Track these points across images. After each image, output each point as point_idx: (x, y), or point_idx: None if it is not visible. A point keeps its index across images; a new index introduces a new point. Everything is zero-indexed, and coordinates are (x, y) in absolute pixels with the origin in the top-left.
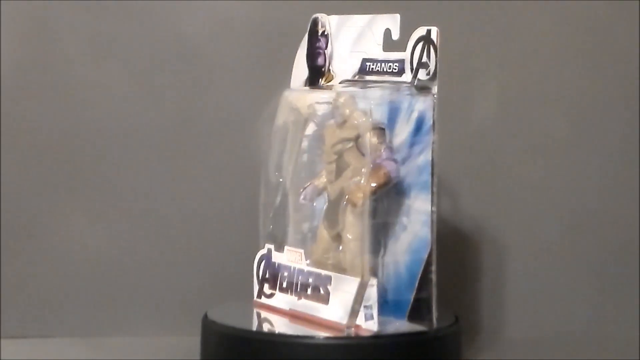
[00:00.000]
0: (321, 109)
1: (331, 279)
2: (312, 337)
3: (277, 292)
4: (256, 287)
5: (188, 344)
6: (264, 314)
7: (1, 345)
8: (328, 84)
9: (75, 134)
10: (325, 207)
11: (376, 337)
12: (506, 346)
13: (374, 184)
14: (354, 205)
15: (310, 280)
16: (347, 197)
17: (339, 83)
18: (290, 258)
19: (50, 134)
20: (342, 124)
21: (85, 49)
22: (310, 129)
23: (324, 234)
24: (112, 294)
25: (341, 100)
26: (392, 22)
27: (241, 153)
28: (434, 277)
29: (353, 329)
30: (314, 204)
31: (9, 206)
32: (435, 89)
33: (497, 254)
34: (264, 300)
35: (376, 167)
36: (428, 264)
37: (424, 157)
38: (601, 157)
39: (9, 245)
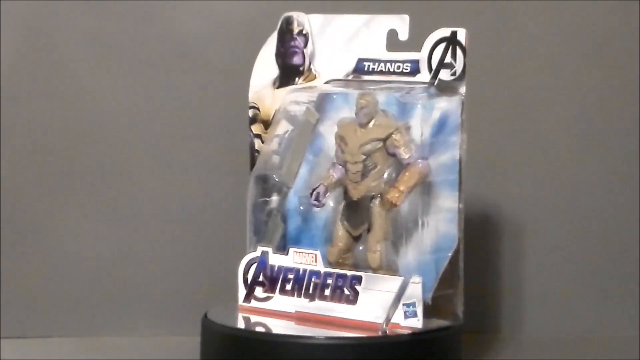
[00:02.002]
0: (299, 108)
1: (361, 279)
2: (312, 337)
3: (276, 295)
4: (243, 292)
5: (188, 344)
6: (264, 315)
7: (1, 345)
8: (308, 83)
9: (75, 134)
10: (344, 208)
11: (384, 337)
12: (505, 346)
13: (411, 183)
14: (392, 204)
15: (330, 281)
16: (382, 197)
17: (325, 82)
18: (299, 260)
19: (50, 134)
20: (366, 124)
21: (85, 49)
22: (283, 127)
23: (342, 234)
24: (112, 294)
25: (366, 99)
26: (399, 22)
27: (242, 153)
28: (461, 273)
29: (388, 327)
30: (330, 205)
31: (9, 206)
32: (463, 89)
33: (495, 255)
34: (255, 304)
35: (411, 166)
36: (452, 261)
37: (449, 156)
38: (602, 158)
39: (9, 245)
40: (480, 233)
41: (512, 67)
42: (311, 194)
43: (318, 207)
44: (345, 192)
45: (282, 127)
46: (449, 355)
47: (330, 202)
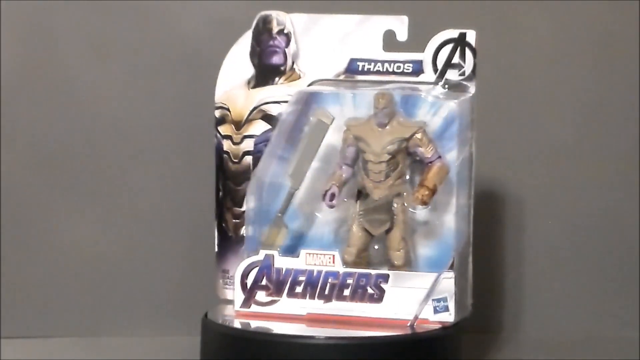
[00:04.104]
0: (280, 108)
1: (388, 277)
2: (312, 337)
3: (282, 298)
4: (240, 297)
5: (188, 344)
6: (268, 319)
7: (1, 345)
8: (291, 82)
9: (75, 134)
10: (363, 208)
11: (385, 336)
12: (505, 346)
13: (437, 181)
14: (423, 202)
15: (350, 281)
16: (410, 195)
17: (311, 83)
18: (313, 261)
19: (50, 134)
20: (387, 123)
21: (85, 49)
22: (261, 128)
23: (361, 234)
24: (112, 294)
25: (387, 99)
26: (396, 23)
27: None
28: (470, 267)
29: (417, 323)
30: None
31: (9, 206)
32: (472, 89)
33: (495, 255)
34: (256, 308)
35: (433, 165)
36: (463, 255)
37: (459, 154)
38: (603, 158)
39: (9, 245)
40: (480, 233)
41: (511, 67)
42: (324, 195)
43: (332, 207)
44: (360, 192)
45: (261, 127)
46: (449, 355)
47: (341, 202)
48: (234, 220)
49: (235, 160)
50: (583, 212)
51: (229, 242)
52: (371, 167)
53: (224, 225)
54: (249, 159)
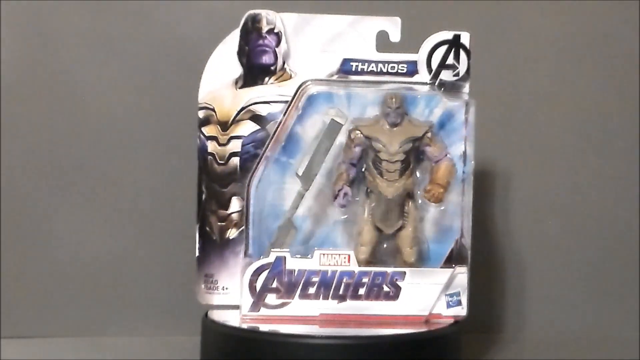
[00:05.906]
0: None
1: (404, 274)
2: (312, 337)
3: (294, 300)
4: (249, 301)
5: (188, 344)
6: (279, 322)
7: (1, 345)
8: (282, 82)
9: (75, 134)
10: (376, 207)
11: (385, 336)
12: (506, 346)
13: (450, 179)
14: (439, 200)
15: (365, 279)
16: (425, 194)
17: (303, 82)
18: (327, 262)
19: (50, 134)
20: (399, 123)
21: (85, 49)
22: (250, 129)
23: (373, 233)
24: (112, 294)
25: (398, 99)
26: (389, 24)
27: None
28: (469, 261)
29: (430, 318)
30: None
31: (9, 206)
32: (467, 89)
33: (497, 256)
34: (265, 312)
35: (442, 163)
36: (458, 252)
37: (456, 151)
38: (602, 158)
39: (9, 245)
40: (481, 233)
41: (507, 67)
42: (336, 195)
43: (344, 207)
44: (371, 191)
45: (250, 128)
46: (450, 355)
47: (353, 201)
48: (219, 223)
49: (221, 162)
50: (583, 212)
51: (213, 245)
52: (386, 166)
53: (207, 228)
54: (235, 160)
